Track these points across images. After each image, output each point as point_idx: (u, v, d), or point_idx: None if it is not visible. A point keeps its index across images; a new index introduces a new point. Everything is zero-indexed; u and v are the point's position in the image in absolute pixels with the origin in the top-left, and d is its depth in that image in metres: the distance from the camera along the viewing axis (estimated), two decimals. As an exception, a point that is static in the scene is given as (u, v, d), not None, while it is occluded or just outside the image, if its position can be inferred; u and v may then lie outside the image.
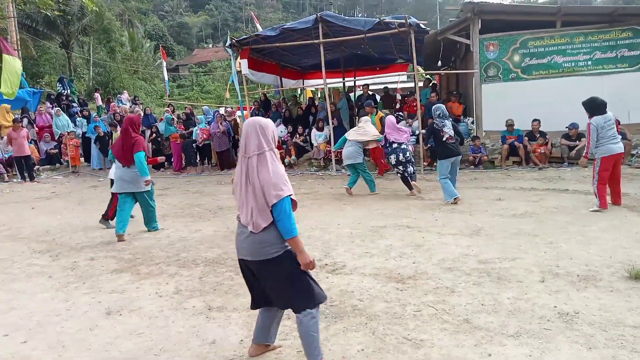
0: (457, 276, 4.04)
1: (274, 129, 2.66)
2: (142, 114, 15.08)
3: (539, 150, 10.04)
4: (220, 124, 12.14)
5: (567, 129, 10.02)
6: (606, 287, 3.63)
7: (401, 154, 7.75)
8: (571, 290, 3.61)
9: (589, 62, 10.75)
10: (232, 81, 13.21)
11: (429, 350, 2.85)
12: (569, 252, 4.50)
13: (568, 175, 8.92)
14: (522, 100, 10.82)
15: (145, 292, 4.08)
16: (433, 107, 7.11)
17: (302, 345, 2.65)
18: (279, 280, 2.59)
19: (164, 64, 22.95)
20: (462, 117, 11.67)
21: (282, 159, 11.83)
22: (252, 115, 12.92)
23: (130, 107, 17.52)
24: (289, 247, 2.60)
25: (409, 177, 7.84)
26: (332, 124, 11.30)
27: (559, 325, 3.08)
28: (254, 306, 2.84)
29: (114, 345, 3.15)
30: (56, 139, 13.93)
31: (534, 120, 10.24)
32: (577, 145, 9.89)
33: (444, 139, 6.97)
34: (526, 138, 10.25)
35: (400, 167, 7.80)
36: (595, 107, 6.31)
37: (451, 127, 7.01)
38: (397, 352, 2.85)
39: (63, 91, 17.75)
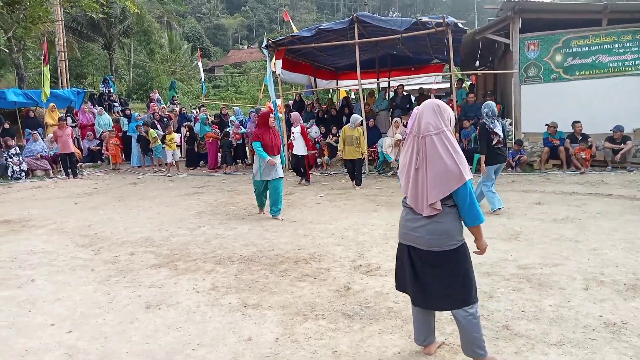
0: (495, 281, 3.94)
1: (452, 112, 2.55)
2: (178, 113, 15.50)
3: (581, 153, 9.68)
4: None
5: (611, 131, 9.63)
6: (656, 298, 3.46)
7: None
8: (618, 299, 3.46)
9: (638, 62, 10.29)
10: (267, 82, 13.35)
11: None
12: (614, 259, 4.32)
13: (612, 180, 8.56)
14: (563, 102, 10.47)
15: (182, 288, 4.17)
16: (483, 105, 6.63)
17: (462, 343, 2.60)
18: (448, 274, 2.50)
19: (200, 65, 23.46)
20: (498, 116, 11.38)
21: (315, 159, 11.86)
22: (286, 117, 13.02)
23: (168, 106, 18.00)
24: (464, 241, 2.54)
25: None
26: (369, 124, 11.25)
27: (605, 335, 2.95)
28: (401, 288, 2.78)
29: (153, 338, 3.24)
30: (98, 137, 14.46)
31: (576, 122, 9.89)
32: (621, 149, 9.48)
33: (494, 142, 6.35)
34: (567, 140, 9.91)
35: None
36: None
37: (501, 129, 6.46)
38: (433, 356, 2.80)
39: (106, 90, 18.41)
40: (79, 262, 5.13)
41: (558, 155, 9.96)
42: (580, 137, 9.83)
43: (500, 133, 6.40)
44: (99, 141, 14.40)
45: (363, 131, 9.87)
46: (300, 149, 9.88)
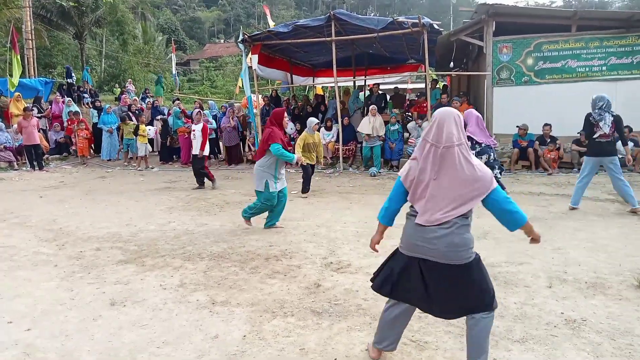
0: (463, 279, 4.00)
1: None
2: (150, 106, 15.18)
3: (549, 155, 9.94)
4: (232, 118, 12.14)
5: (578, 134, 9.90)
6: (615, 295, 3.57)
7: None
8: (579, 297, 3.56)
9: (604, 68, 10.63)
10: (242, 76, 13.21)
11: (433, 352, 2.83)
12: (577, 259, 4.45)
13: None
14: (533, 104, 10.73)
15: (149, 284, 4.08)
16: (597, 97, 6.28)
17: (471, 347, 2.47)
18: (468, 285, 2.40)
19: (174, 57, 23.04)
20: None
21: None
22: (262, 112, 12.92)
23: (142, 99, 17.62)
24: (476, 253, 2.47)
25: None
26: (344, 123, 11.27)
27: (566, 332, 3.03)
28: (396, 297, 2.59)
29: (117, 336, 3.15)
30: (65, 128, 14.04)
31: (545, 124, 10.15)
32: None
33: (596, 135, 6.22)
34: (537, 142, 10.16)
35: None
36: None
37: (609, 124, 6.17)
38: (400, 353, 2.82)
39: (70, 81, 17.87)
40: (42, 257, 4.97)
41: (527, 157, 10.20)
42: (549, 140, 10.09)
43: (606, 128, 6.15)
44: (66, 134, 13.97)
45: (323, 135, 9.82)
46: (197, 148, 8.94)
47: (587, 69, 10.71)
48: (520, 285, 3.83)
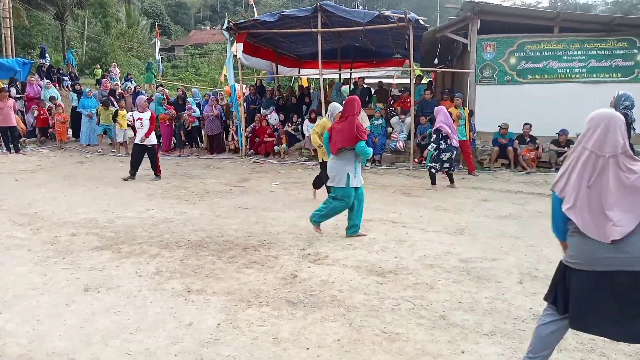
0: (437, 273, 4.08)
1: None
2: (132, 91, 14.93)
3: (528, 154, 10.12)
4: (214, 107, 12.03)
5: (557, 134, 10.11)
6: (582, 292, 3.68)
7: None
8: (548, 293, 3.66)
9: (584, 70, 10.83)
10: (227, 65, 13.07)
11: (404, 344, 2.88)
12: (549, 256, 4.56)
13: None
14: (515, 103, 10.88)
15: (125, 271, 4.06)
16: (622, 94, 5.84)
17: None
18: None
19: (158, 42, 22.63)
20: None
21: (273, 147, 11.78)
22: (246, 101, 12.83)
23: (123, 84, 17.32)
24: None
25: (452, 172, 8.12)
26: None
27: (533, 326, 3.10)
28: (585, 329, 2.34)
29: (90, 322, 3.14)
30: (45, 112, 13.71)
31: (525, 124, 10.31)
32: (565, 152, 9.98)
33: (632, 137, 5.76)
34: (516, 141, 10.32)
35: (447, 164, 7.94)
36: None
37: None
38: (372, 344, 2.87)
39: (42, 62, 17.40)
40: (15, 241, 4.89)
41: (507, 155, 10.37)
42: (529, 139, 10.27)
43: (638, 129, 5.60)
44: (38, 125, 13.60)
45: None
46: (138, 137, 8.64)
47: (568, 71, 10.90)
48: (492, 281, 3.91)
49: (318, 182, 7.14)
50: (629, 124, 5.60)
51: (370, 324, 3.12)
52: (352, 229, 5.18)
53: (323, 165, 6.47)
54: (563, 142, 10.06)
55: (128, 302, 3.43)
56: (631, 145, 5.57)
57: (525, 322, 3.18)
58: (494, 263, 4.35)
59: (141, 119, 8.50)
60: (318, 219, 5.17)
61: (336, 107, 6.38)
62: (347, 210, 5.19)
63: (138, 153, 8.66)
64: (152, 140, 8.62)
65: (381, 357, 2.73)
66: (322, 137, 6.10)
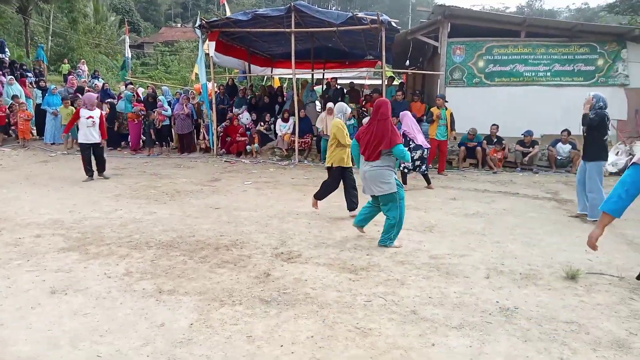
0: (408, 269, 4.16)
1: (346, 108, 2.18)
2: (100, 88, 14.56)
3: (495, 154, 10.40)
4: (185, 106, 11.86)
5: (522, 135, 10.43)
6: (545, 286, 3.83)
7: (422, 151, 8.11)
8: (513, 287, 3.79)
9: (548, 74, 11.21)
10: (199, 63, 12.90)
11: (376, 338, 2.94)
12: (513, 252, 4.72)
13: (520, 180, 9.30)
14: (483, 105, 11.16)
15: (93, 273, 3.97)
16: (595, 95, 5.85)
17: None
18: None
19: (127, 39, 22.11)
20: (424, 117, 11.90)
21: (245, 146, 11.72)
22: (217, 100, 12.70)
23: (90, 81, 16.87)
24: None
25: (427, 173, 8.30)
26: (300, 115, 11.28)
27: (499, 319, 3.23)
28: None
29: (57, 324, 3.06)
30: (5, 109, 13.20)
31: (493, 125, 10.59)
32: (530, 152, 10.31)
33: (606, 137, 5.85)
34: (484, 142, 10.59)
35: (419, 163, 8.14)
36: None
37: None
38: (345, 339, 2.91)
39: (2, 57, 16.78)
40: (-24, 243, 4.70)
41: (475, 155, 10.63)
42: (496, 140, 10.56)
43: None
44: (4, 113, 13.12)
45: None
46: (96, 136, 8.36)
47: (533, 74, 11.26)
48: (460, 276, 4.02)
49: (324, 192, 6.22)
50: (606, 124, 5.84)
51: (343, 320, 3.16)
52: (392, 240, 4.79)
53: (335, 172, 6.03)
54: (528, 142, 10.38)
55: (97, 304, 3.36)
56: (608, 142, 5.88)
57: (492, 315, 3.28)
58: (462, 259, 4.47)
59: (92, 117, 8.30)
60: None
61: (345, 107, 6.11)
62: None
63: (87, 151, 8.38)
64: (98, 137, 8.41)
65: (354, 352, 2.77)
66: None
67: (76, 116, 8.29)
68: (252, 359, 2.70)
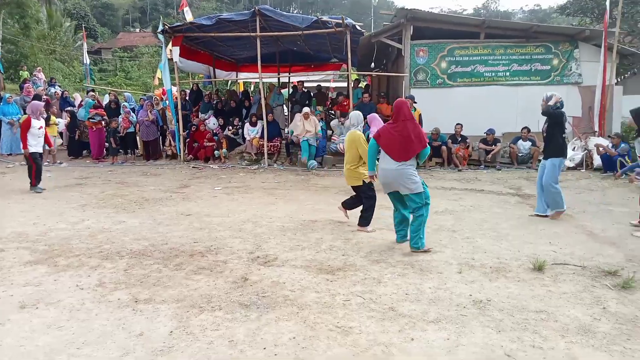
0: (383, 268, 4.24)
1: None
2: (60, 96, 14.09)
3: (460, 152, 10.72)
4: (150, 112, 11.62)
5: (485, 134, 10.79)
6: (514, 278, 4.00)
7: None
8: (484, 281, 3.93)
9: (507, 73, 11.65)
10: (162, 68, 12.68)
11: (357, 336, 2.99)
12: (483, 247, 4.89)
13: (484, 177, 9.62)
14: (447, 105, 11.48)
15: (64, 285, 3.85)
16: (549, 95, 5.98)
17: None
18: None
19: (85, 45, 21.44)
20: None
21: (212, 151, 11.59)
22: (182, 106, 12.51)
23: (46, 89, 16.29)
24: None
25: None
26: (267, 119, 11.27)
27: (474, 311, 3.35)
28: None
29: (30, 339, 2.96)
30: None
31: (457, 124, 10.91)
32: (492, 150, 10.67)
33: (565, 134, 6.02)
34: (449, 141, 10.89)
35: None
36: None
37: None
38: (327, 339, 2.95)
39: None
40: None
41: (440, 154, 10.90)
42: (460, 138, 10.88)
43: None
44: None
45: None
46: (40, 145, 8.18)
47: (493, 74, 11.68)
48: (434, 272, 4.14)
49: (351, 203, 5.91)
50: (563, 122, 6.03)
51: (323, 320, 3.20)
52: (419, 242, 4.66)
53: (365, 186, 5.57)
54: (491, 140, 10.75)
55: (71, 317, 3.27)
56: (566, 139, 6.09)
57: (467, 308, 3.40)
58: (435, 256, 4.60)
59: (42, 127, 8.19)
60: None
61: (361, 116, 5.86)
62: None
63: (40, 160, 8.22)
64: (40, 147, 8.24)
65: (337, 351, 2.82)
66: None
67: (27, 126, 7.98)
68: (236, 363, 2.70)
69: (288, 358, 2.74)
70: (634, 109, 6.05)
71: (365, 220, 5.58)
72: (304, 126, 10.64)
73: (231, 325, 3.14)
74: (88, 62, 21.18)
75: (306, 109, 10.75)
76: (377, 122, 8.29)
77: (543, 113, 6.18)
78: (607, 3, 11.08)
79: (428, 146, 4.79)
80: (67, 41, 33.82)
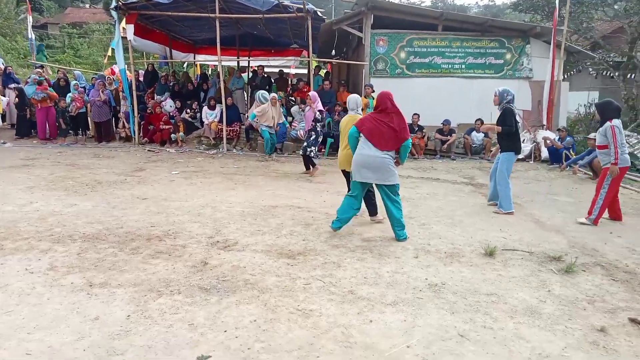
0: (342, 252, 4.32)
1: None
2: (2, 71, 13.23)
3: (417, 142, 10.97)
4: (102, 92, 11.13)
5: (441, 124, 11.09)
6: (467, 262, 4.18)
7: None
8: (439, 265, 4.09)
9: (463, 66, 11.99)
10: (114, 47, 12.12)
11: (318, 319, 3.05)
12: (438, 233, 5.07)
13: (440, 166, 9.91)
14: (405, 95, 11.57)
15: (12, 269, 3.68)
16: (503, 90, 6.00)
17: None
18: None
19: (30, 19, 20.11)
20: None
21: (169, 134, 11.29)
22: (136, 87, 12.06)
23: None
24: None
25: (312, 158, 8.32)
26: (227, 103, 11.06)
27: (429, 294, 3.48)
28: None
29: (-25, 325, 2.82)
30: None
31: (414, 114, 11.14)
32: (448, 140, 11.01)
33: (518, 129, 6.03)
34: (407, 130, 11.11)
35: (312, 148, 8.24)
36: (612, 109, 5.66)
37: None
38: (287, 321, 2.99)
39: None
40: None
41: (398, 143, 11.11)
42: (417, 128, 11.13)
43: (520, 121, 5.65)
44: None
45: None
46: None
47: (450, 66, 11.98)
48: (392, 257, 4.26)
49: (371, 206, 5.63)
50: (515, 116, 6.08)
51: (284, 304, 3.23)
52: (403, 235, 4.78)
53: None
54: (447, 131, 11.08)
55: (20, 301, 3.14)
56: (517, 132, 6.14)
57: (422, 291, 3.53)
58: (392, 241, 4.72)
59: None
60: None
61: (358, 99, 5.79)
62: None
63: None
64: None
65: (297, 333, 2.86)
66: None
67: None
68: (197, 345, 2.69)
69: (249, 340, 2.75)
70: (599, 102, 6.24)
71: (373, 207, 5.51)
72: (272, 112, 10.39)
73: (191, 309, 3.12)
74: (33, 37, 19.83)
75: (274, 94, 10.58)
76: (318, 99, 8.52)
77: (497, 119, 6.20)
78: (557, 1, 11.58)
79: (409, 138, 4.82)
80: (9, 13, 31.65)
